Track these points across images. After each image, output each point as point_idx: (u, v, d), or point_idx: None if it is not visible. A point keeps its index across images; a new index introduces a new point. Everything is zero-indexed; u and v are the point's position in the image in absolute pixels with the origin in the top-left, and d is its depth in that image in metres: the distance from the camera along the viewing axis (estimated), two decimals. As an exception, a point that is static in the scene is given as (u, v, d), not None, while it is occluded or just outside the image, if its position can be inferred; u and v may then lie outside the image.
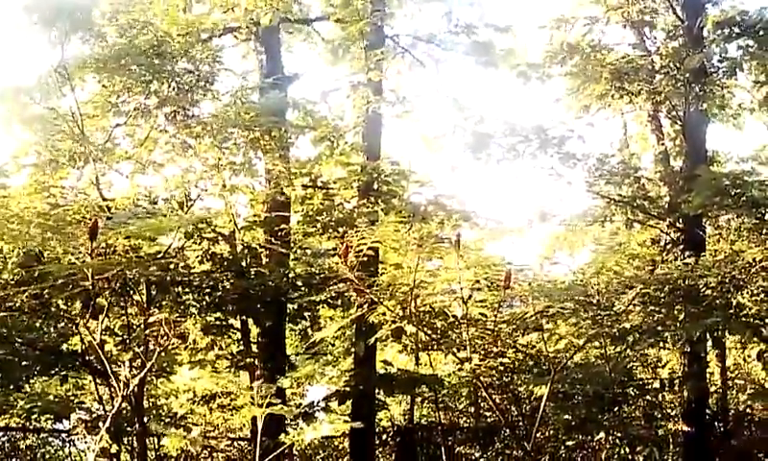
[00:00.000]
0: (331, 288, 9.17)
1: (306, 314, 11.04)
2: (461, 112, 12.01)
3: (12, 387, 8.36)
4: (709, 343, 11.47)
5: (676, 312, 8.72)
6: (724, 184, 10.03)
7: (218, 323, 9.91)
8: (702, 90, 10.80)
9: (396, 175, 11.07)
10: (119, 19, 9.28)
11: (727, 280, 8.32)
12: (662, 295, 8.18)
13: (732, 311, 8.78)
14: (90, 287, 6.62)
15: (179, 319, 8.91)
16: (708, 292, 8.35)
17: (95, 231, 5.76)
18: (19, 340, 8.19)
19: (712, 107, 11.27)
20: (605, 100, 11.73)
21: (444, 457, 10.63)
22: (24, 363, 8.34)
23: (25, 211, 7.52)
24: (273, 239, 10.14)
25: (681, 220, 11.12)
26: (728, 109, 11.89)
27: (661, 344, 10.07)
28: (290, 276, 10.29)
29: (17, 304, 8.08)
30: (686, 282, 7.90)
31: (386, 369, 11.26)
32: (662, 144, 12.25)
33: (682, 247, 10.88)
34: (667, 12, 11.53)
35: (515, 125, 11.21)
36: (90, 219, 6.67)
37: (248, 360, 10.14)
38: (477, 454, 11.35)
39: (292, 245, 10.54)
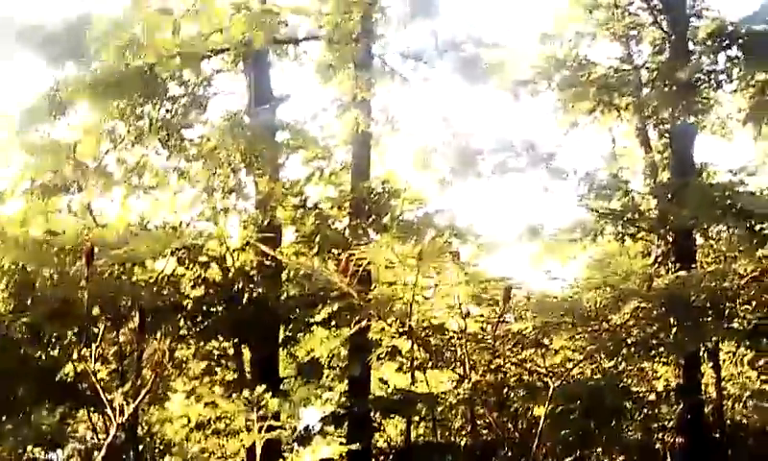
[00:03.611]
0: (326, 308, 9.12)
1: (300, 336, 10.96)
2: (450, 129, 12.06)
3: (4, 417, 8.22)
4: (705, 354, 11.47)
5: (669, 325, 8.75)
6: (713, 196, 10.09)
7: (213, 350, 9.82)
8: (689, 102, 10.87)
9: (386, 193, 11.08)
10: (111, 43, 9.22)
11: (719, 292, 8.37)
12: (656, 308, 8.19)
13: (724, 320, 8.82)
14: (84, 313, 6.55)
15: (172, 345, 8.83)
16: (701, 304, 8.39)
17: (91, 257, 5.72)
18: (12, 369, 8.07)
19: (700, 118, 11.35)
20: (593, 115, 11.81)
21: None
22: (19, 393, 8.21)
23: (19, 238, 7.44)
24: (265, 261, 10.08)
25: (671, 232, 11.16)
26: (715, 119, 11.97)
27: (656, 356, 10.06)
28: (283, 298, 10.22)
29: (9, 333, 7.97)
30: (679, 295, 7.92)
31: (382, 388, 11.18)
32: (651, 157, 12.31)
33: (673, 259, 10.91)
34: (654, 26, 11.63)
35: (504, 140, 11.28)
36: (84, 245, 6.61)
37: (242, 386, 10.02)
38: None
39: (284, 266, 10.47)
